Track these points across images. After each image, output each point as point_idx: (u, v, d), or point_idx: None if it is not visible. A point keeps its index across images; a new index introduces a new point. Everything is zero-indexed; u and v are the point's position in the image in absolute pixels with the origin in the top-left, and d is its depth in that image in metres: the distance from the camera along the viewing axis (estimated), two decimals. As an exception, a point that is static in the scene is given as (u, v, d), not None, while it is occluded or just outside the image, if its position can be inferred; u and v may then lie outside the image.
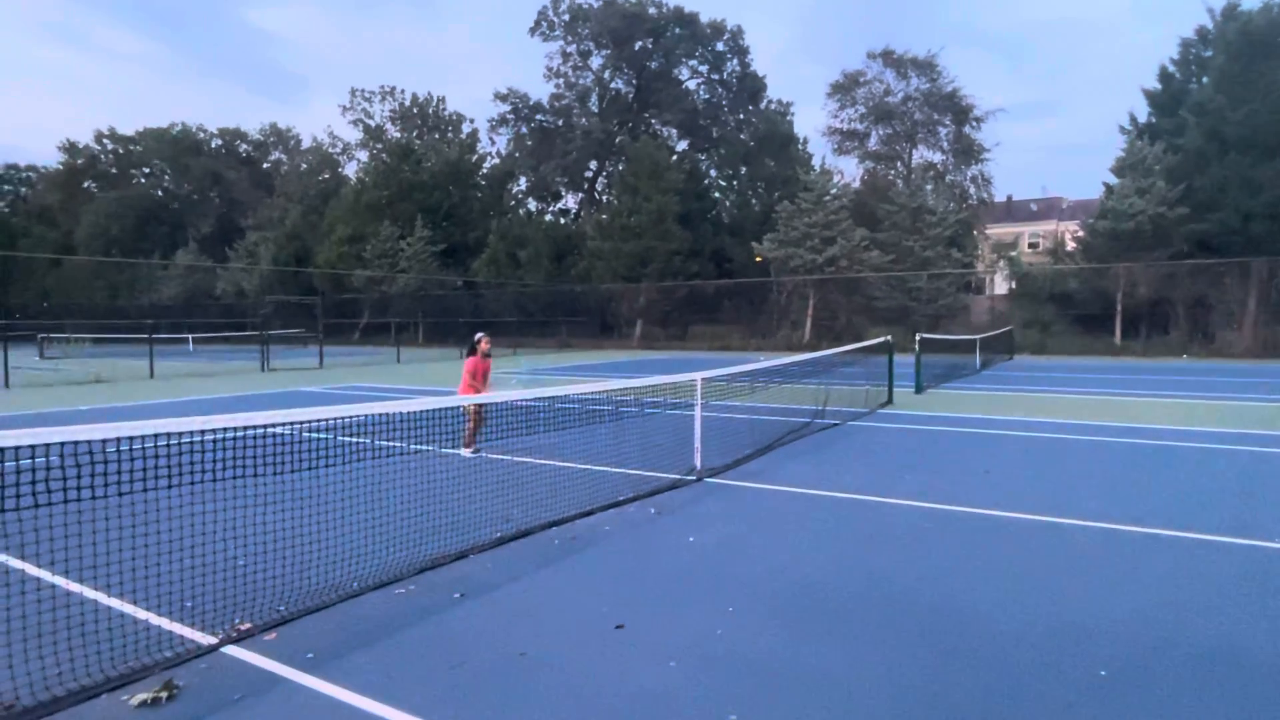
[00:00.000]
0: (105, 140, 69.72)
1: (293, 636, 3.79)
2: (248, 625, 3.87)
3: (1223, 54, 28.84)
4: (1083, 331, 30.37)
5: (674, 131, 54.17)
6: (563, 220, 53.61)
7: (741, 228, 43.53)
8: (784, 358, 12.11)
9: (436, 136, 58.57)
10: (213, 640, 3.70)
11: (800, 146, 47.29)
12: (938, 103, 44.48)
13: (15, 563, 4.69)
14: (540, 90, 75.10)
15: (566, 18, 53.42)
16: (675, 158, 46.52)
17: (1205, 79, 30.45)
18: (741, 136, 51.24)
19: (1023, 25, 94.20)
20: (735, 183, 49.63)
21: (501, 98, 55.95)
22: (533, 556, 5.07)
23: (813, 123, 76.15)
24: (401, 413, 5.37)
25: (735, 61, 53.42)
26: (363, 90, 62.84)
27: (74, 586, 4.28)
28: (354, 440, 5.87)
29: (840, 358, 13.81)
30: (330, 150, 65.18)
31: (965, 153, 45.01)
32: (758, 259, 37.90)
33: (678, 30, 52.13)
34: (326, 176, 61.31)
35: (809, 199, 35.98)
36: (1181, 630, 3.81)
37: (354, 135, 74.45)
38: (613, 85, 55.08)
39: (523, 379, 10.61)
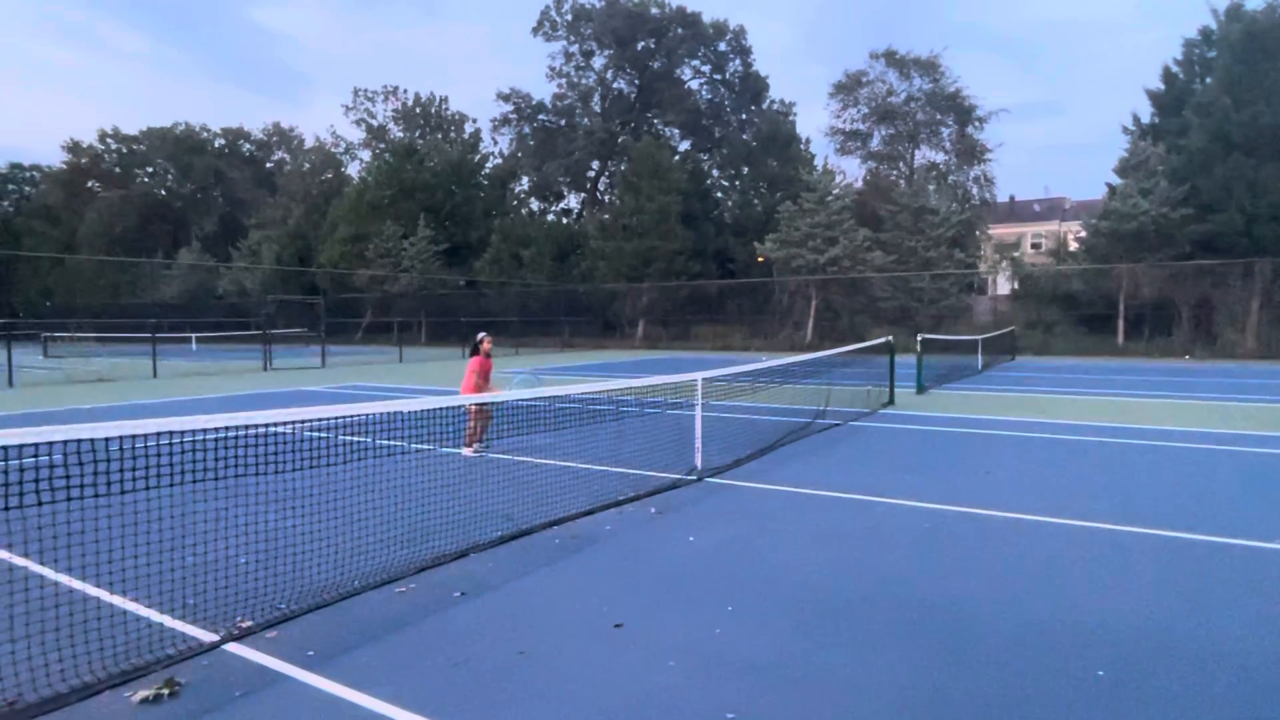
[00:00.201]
0: (109, 139, 69.90)
1: (294, 634, 3.81)
2: (249, 623, 3.88)
3: (1226, 54, 28.77)
4: (1085, 332, 30.33)
5: (676, 131, 54.20)
6: (565, 220, 53.67)
7: (744, 228, 43.52)
8: (786, 358, 12.11)
9: (439, 136, 58.63)
10: (214, 638, 3.72)
11: (803, 147, 47.27)
12: (940, 103, 44.41)
13: (19, 560, 4.71)
14: (543, 90, 74.93)
15: (569, 18, 53.50)
16: (678, 158, 46.53)
17: (1209, 79, 30.38)
18: (744, 136, 51.22)
19: (1026, 26, 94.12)
20: (738, 183, 49.61)
21: (504, 97, 56.14)
22: (533, 556, 5.08)
23: (815, 123, 76.45)
24: (403, 412, 5.39)
25: (738, 62, 53.45)
26: (366, 90, 63.17)
27: (76, 584, 4.30)
28: (355, 439, 5.89)
29: (842, 358, 13.81)
30: (333, 150, 65.27)
31: (968, 153, 44.93)
32: (760, 259, 37.89)
33: (680, 30, 52.14)
34: (329, 176, 61.38)
35: (811, 199, 35.97)
36: (1180, 631, 3.81)
37: (357, 135, 74.75)
38: (615, 85, 55.14)
39: (525, 379, 10.62)
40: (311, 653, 3.60)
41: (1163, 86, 33.04)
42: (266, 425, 4.20)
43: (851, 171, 70.95)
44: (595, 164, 55.77)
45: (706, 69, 54.25)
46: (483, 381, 9.10)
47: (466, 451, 8.42)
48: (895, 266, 35.16)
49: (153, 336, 24.13)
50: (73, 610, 3.86)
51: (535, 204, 56.79)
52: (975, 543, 5.33)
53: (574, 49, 54.25)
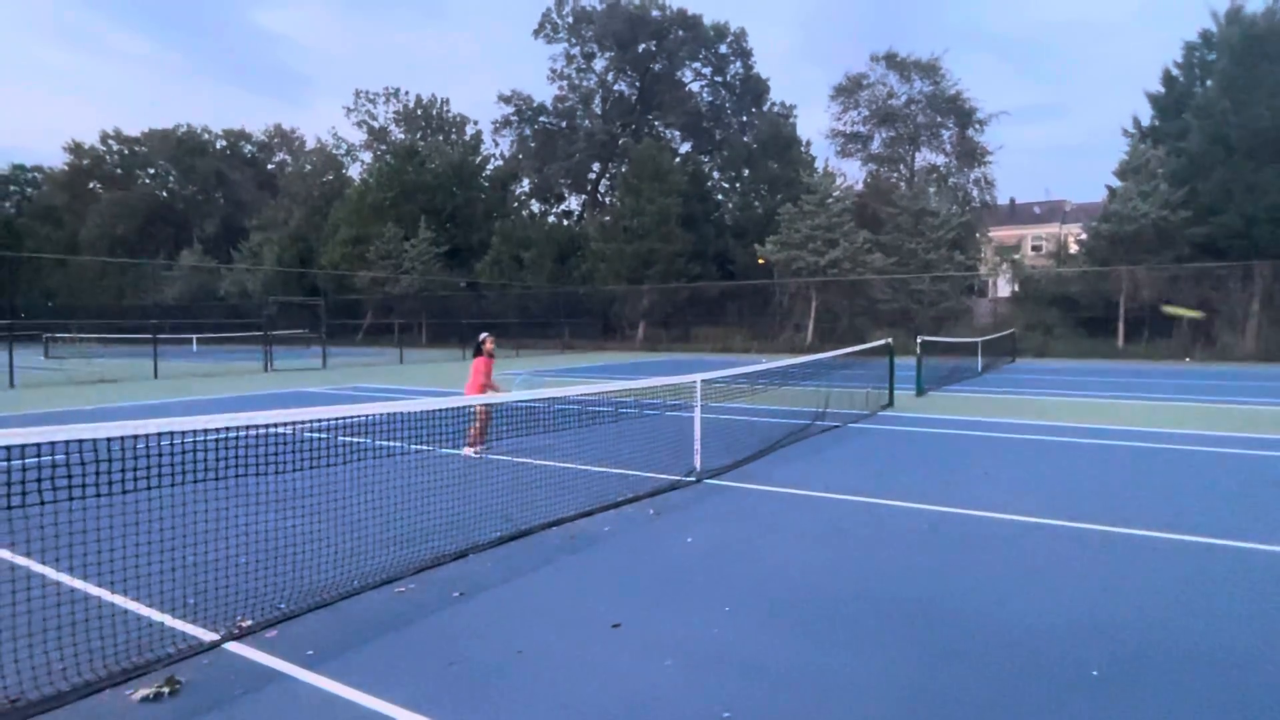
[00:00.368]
0: (110, 141, 70.05)
1: (293, 633, 3.83)
2: (249, 622, 3.91)
3: (1226, 57, 28.80)
4: (1085, 335, 30.33)
5: (677, 134, 54.27)
6: (565, 222, 53.70)
7: (744, 230, 43.55)
8: (786, 360, 12.14)
9: (440, 138, 58.70)
10: (215, 637, 3.75)
11: (803, 149, 47.31)
12: (941, 106, 44.46)
13: (20, 560, 4.74)
14: (544, 92, 75.19)
15: (570, 20, 53.58)
16: (678, 160, 46.58)
17: (1209, 82, 30.40)
18: (744, 139, 51.28)
19: (1026, 28, 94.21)
20: (738, 185, 49.66)
21: (505, 100, 56.18)
22: (532, 556, 5.11)
23: (816, 125, 76.57)
24: (403, 413, 5.41)
25: (738, 64, 53.53)
26: (367, 92, 63.18)
27: (78, 583, 4.33)
28: (355, 440, 5.92)
29: (841, 360, 13.84)
30: (334, 151, 65.40)
31: (968, 155, 44.98)
32: (761, 261, 37.92)
33: (681, 33, 52.23)
34: (330, 178, 61.47)
35: (812, 201, 36.01)
36: (1173, 631, 3.83)
37: (358, 137, 74.94)
38: (616, 87, 55.21)
39: (526, 380, 10.66)
40: (311, 652, 3.62)
41: (1163, 89, 33.07)
42: (267, 426, 4.23)
43: (852, 174, 70.92)
44: (596, 166, 55.84)
45: (707, 71, 54.37)
46: (488, 382, 9.15)
47: (468, 452, 8.45)
48: (895, 269, 35.19)
49: (154, 337, 24.17)
50: (74, 609, 3.89)
51: (536, 206, 56.91)
52: (972, 544, 5.35)
53: (575, 51, 54.38)
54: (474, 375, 9.16)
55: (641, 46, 52.68)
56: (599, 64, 54.64)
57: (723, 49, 53.13)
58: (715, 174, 51.00)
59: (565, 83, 55.09)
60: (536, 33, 54.26)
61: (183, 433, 3.81)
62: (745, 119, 53.48)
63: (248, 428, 4.14)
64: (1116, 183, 30.75)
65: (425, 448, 7.53)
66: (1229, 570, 4.77)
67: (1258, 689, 3.23)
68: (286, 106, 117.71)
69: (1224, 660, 3.50)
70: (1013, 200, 63.33)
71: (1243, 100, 27.47)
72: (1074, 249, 35.39)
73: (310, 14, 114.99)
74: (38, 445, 3.22)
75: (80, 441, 3.38)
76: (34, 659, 3.35)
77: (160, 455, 3.91)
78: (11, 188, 77.03)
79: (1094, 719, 3.01)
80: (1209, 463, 8.22)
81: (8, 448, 3.15)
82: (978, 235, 42.40)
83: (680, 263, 40.22)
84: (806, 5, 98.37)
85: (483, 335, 9.35)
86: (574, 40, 54.06)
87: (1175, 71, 32.78)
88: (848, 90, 46.24)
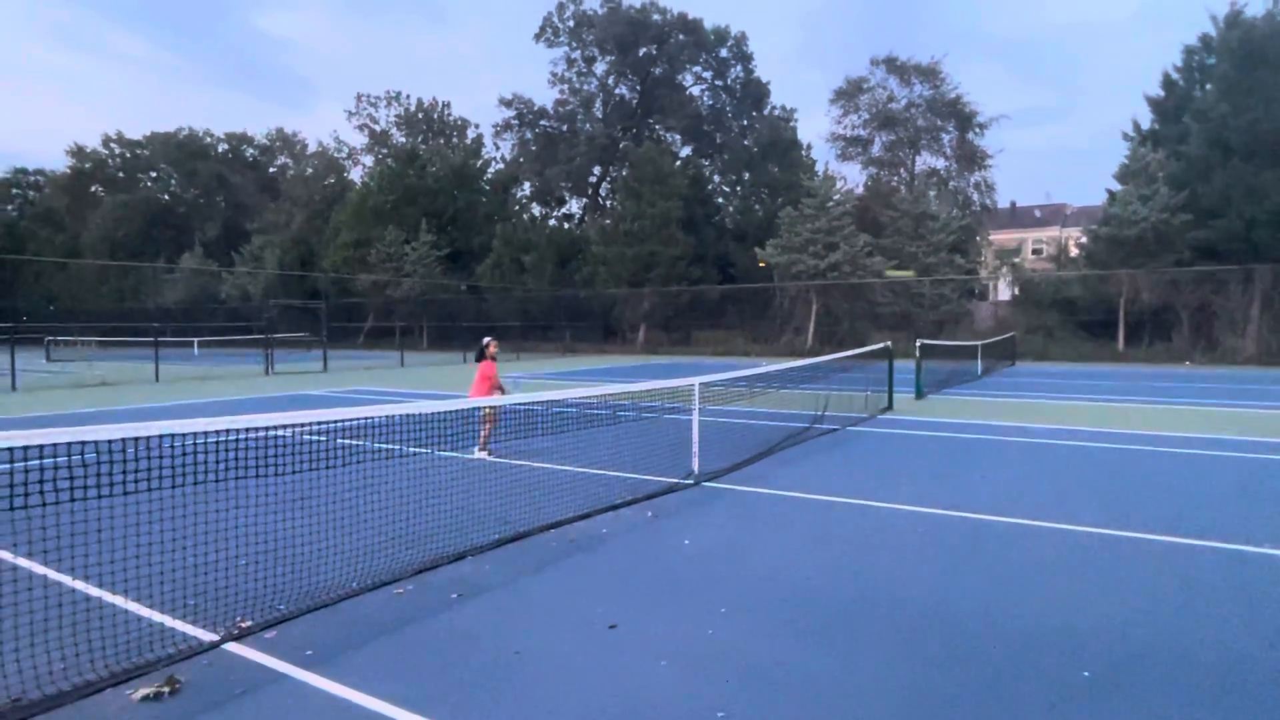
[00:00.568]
0: (112, 144, 70.21)
1: (293, 634, 3.86)
2: (249, 623, 3.94)
3: (1226, 61, 28.85)
4: (1086, 338, 30.34)
5: (678, 137, 54.32)
6: (567, 225, 53.75)
7: (745, 233, 43.61)
8: (786, 363, 12.17)
9: (441, 142, 58.84)
10: (214, 637, 3.78)
11: (804, 152, 47.37)
12: (941, 109, 44.52)
13: (22, 561, 4.77)
14: (545, 96, 75.43)
15: (571, 24, 53.68)
16: (679, 163, 46.64)
17: (1208, 86, 30.45)
18: (745, 142, 51.35)
19: (1026, 32, 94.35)
20: (739, 188, 49.74)
21: (506, 103, 56.25)
22: (530, 558, 5.14)
23: (816, 129, 76.74)
24: (402, 415, 5.45)
25: (739, 68, 53.60)
26: (369, 95, 63.30)
27: (79, 584, 4.36)
28: (355, 443, 5.95)
29: (840, 363, 13.87)
30: (336, 155, 65.53)
31: (968, 159, 45.02)
32: (761, 264, 37.96)
33: (682, 37, 52.33)
34: (332, 181, 61.57)
35: (812, 205, 36.06)
36: (1166, 633, 3.86)
37: (359, 140, 75.11)
38: (617, 91, 55.30)
39: (520, 381, 10.73)
40: (310, 652, 3.65)
41: (1163, 93, 33.14)
42: (267, 428, 4.27)
43: (852, 177, 71.20)
44: (597, 169, 55.92)
45: (708, 75, 54.44)
46: (497, 384, 9.26)
47: (480, 454, 8.52)
48: (896, 271, 35.23)
49: (155, 341, 24.23)
50: (75, 610, 3.92)
51: (537, 209, 56.95)
52: (969, 546, 5.38)
53: (576, 55, 54.47)
54: (481, 380, 9.23)
55: (642, 50, 52.78)
56: (600, 68, 54.78)
57: (723, 53, 53.23)
58: (716, 177, 51.10)
59: (566, 86, 55.24)
60: (537, 36, 54.41)
61: (183, 435, 3.84)
62: (746, 122, 53.55)
63: (247, 430, 4.17)
64: (1117, 186, 30.80)
65: (424, 451, 7.56)
66: (1226, 573, 4.79)
67: (1252, 691, 3.26)
68: (288, 110, 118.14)
69: (1218, 662, 3.53)
70: (1013, 204, 63.43)
71: (1242, 104, 27.50)
72: (1074, 252, 35.40)
73: (312, 18, 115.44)
74: (40, 447, 3.26)
75: (82, 443, 3.42)
76: (35, 659, 3.39)
77: (161, 457, 3.95)
78: (14, 191, 77.20)
79: None
80: (1208, 466, 8.24)
81: (10, 450, 3.19)
82: (978, 239, 42.45)
83: (681, 266, 40.28)
84: (806, 9, 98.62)
85: (486, 340, 9.43)
86: (575, 44, 54.19)
87: (1175, 75, 32.85)
88: (848, 94, 46.32)
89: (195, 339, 40.60)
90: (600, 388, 7.35)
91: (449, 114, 61.25)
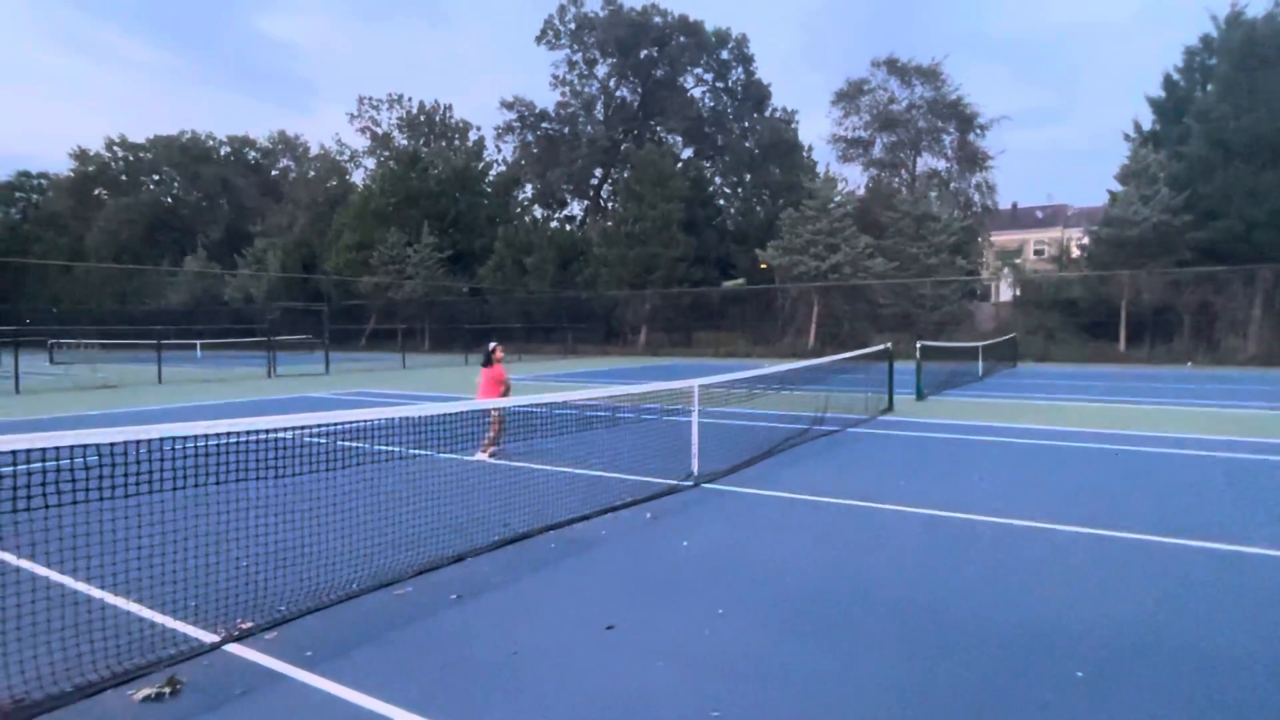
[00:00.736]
0: (116, 147, 70.48)
1: (293, 635, 3.90)
2: (249, 624, 3.98)
3: (1226, 62, 28.85)
4: (1087, 339, 30.31)
5: (679, 139, 54.39)
6: (568, 227, 53.82)
7: (746, 235, 43.64)
8: (784, 365, 12.19)
9: (443, 144, 58.98)
10: (215, 638, 3.82)
11: (805, 154, 47.41)
12: (942, 110, 44.51)
13: (25, 563, 4.81)
14: (546, 98, 75.51)
15: (573, 26, 53.78)
16: (680, 165, 46.70)
17: (1209, 86, 30.45)
18: (746, 144, 51.42)
19: (1027, 32, 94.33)
20: (740, 190, 49.79)
21: (508, 106, 56.36)
22: (529, 559, 5.17)
23: (817, 130, 76.80)
24: (399, 418, 5.48)
25: (740, 69, 53.67)
26: (371, 98, 63.39)
27: (81, 586, 4.40)
28: (356, 445, 5.99)
29: (841, 365, 13.89)
30: (338, 157, 65.72)
31: (969, 160, 45.00)
32: (763, 265, 37.99)
33: (683, 39, 52.41)
34: (334, 184, 61.75)
35: (813, 206, 36.08)
36: (1160, 632, 3.88)
37: (362, 143, 75.15)
38: (618, 93, 55.39)
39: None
40: (310, 653, 3.68)
41: (1163, 93, 33.14)
42: (268, 431, 4.30)
43: (853, 179, 71.13)
44: (598, 171, 56.00)
45: (709, 77, 54.50)
46: (505, 389, 9.34)
47: (483, 455, 8.56)
48: (897, 273, 35.23)
49: (158, 343, 24.30)
50: (77, 611, 3.96)
51: (538, 211, 57.07)
52: (966, 547, 5.40)
53: (577, 57, 54.59)
54: (491, 384, 9.29)
55: (643, 52, 52.86)
56: (601, 70, 54.87)
57: (724, 55, 53.30)
58: (717, 179, 51.13)
59: (567, 89, 55.34)
60: (539, 39, 54.52)
61: (184, 438, 3.88)
62: (747, 124, 53.61)
63: (248, 433, 4.21)
64: (1118, 187, 30.79)
65: (424, 453, 7.60)
66: (1222, 573, 4.81)
67: (1246, 690, 3.28)
68: (290, 113, 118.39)
69: (1212, 662, 3.55)
70: (1014, 204, 63.38)
71: (1243, 104, 27.50)
72: (1076, 253, 35.38)
73: (315, 21, 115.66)
74: (42, 450, 3.30)
75: (84, 447, 3.45)
76: (38, 659, 3.42)
77: (163, 460, 3.98)
78: (18, 194, 77.49)
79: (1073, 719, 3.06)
80: (1207, 467, 8.25)
81: (13, 453, 3.22)
82: (979, 240, 42.43)
83: (682, 268, 40.33)
84: (807, 11, 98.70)
85: (492, 345, 9.50)
86: (576, 46, 54.30)
87: (1175, 76, 32.85)
88: (849, 95, 46.31)
89: (198, 341, 40.71)
90: (600, 390, 7.38)
91: (451, 116, 61.46)
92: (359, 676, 3.44)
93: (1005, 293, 40.35)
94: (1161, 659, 3.58)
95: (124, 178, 70.99)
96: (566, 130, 55.61)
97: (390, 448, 7.06)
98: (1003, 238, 54.93)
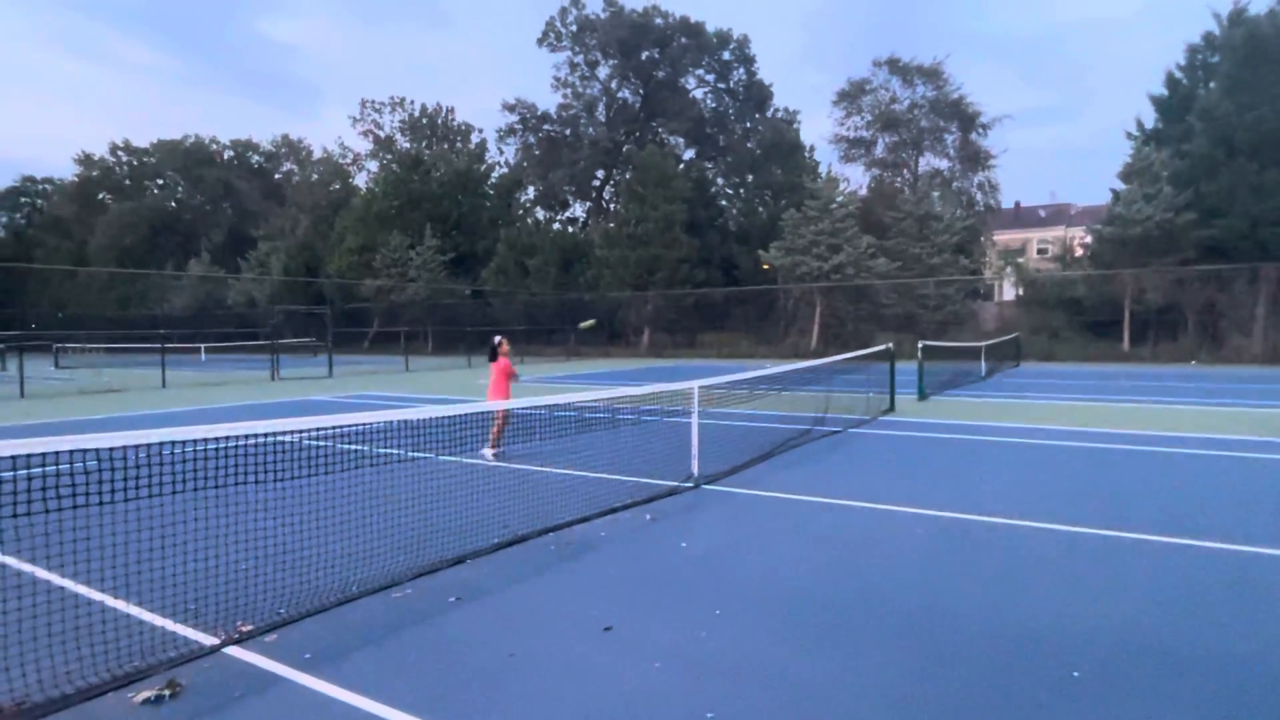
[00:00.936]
0: (119, 152, 70.83)
1: (292, 638, 3.91)
2: (249, 627, 3.99)
3: (1229, 60, 28.79)
4: (1091, 338, 30.25)
5: (681, 140, 54.42)
6: (570, 229, 53.89)
7: (748, 235, 43.66)
8: (786, 365, 12.19)
9: (445, 146, 59.11)
10: (215, 641, 3.83)
11: (807, 154, 47.42)
12: (944, 110, 44.48)
13: (26, 566, 4.84)
14: (548, 100, 75.58)
15: (574, 28, 53.85)
16: (682, 166, 46.76)
17: (1212, 84, 30.37)
18: (748, 145, 51.41)
19: (1029, 31, 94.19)
20: (742, 191, 49.80)
21: (509, 108, 56.44)
22: (528, 562, 5.18)
23: (819, 131, 76.81)
24: (398, 421, 5.49)
25: (742, 70, 53.67)
26: (373, 101, 63.53)
27: (82, 589, 4.42)
28: (355, 448, 6.01)
29: (842, 365, 13.88)
30: (340, 161, 65.96)
31: (972, 159, 44.96)
32: (765, 266, 37.98)
33: (684, 40, 52.44)
34: (337, 187, 61.93)
35: (815, 207, 36.07)
36: (1159, 633, 3.87)
37: (364, 146, 75.57)
38: (620, 95, 55.42)
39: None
40: (309, 656, 3.70)
41: (1166, 92, 33.05)
42: (268, 434, 4.32)
43: (855, 179, 71.07)
44: (600, 173, 56.05)
45: (710, 78, 54.52)
46: (511, 376, 9.41)
47: (487, 451, 8.58)
48: (900, 273, 35.20)
49: (162, 347, 24.36)
50: (78, 614, 3.98)
51: (541, 213, 57.14)
52: (967, 548, 5.39)
53: (579, 59, 54.65)
54: (500, 378, 9.32)
55: (645, 54, 52.90)
56: (603, 71, 54.93)
57: (726, 55, 53.32)
58: (719, 180, 51.15)
59: (569, 90, 55.41)
60: (540, 41, 54.60)
61: (184, 442, 3.90)
62: (749, 125, 53.62)
63: (248, 436, 4.23)
64: (1121, 185, 30.72)
65: (425, 455, 7.61)
66: (1225, 574, 4.79)
67: (1248, 693, 3.27)
68: (293, 116, 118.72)
69: (1215, 663, 3.54)
70: (1017, 204, 63.31)
71: (1246, 102, 27.43)
72: (1079, 252, 35.30)
73: (317, 24, 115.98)
74: (42, 455, 3.32)
75: (85, 451, 3.47)
76: (39, 662, 3.44)
77: (163, 464, 4.00)
78: (22, 199, 77.85)
79: None
80: (1210, 466, 8.23)
81: (15, 458, 3.24)
82: (982, 239, 42.36)
83: (685, 269, 40.35)
84: (809, 11, 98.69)
85: (497, 339, 9.54)
86: (578, 48, 54.37)
87: (1178, 74, 32.76)
88: (850, 96, 46.31)
89: (202, 345, 40.83)
90: (600, 391, 7.39)
91: (453, 119, 61.61)
92: (358, 679, 3.45)
93: (1008, 292, 40.29)
94: (1164, 660, 3.57)
95: (128, 182, 71.33)
96: (568, 132, 55.68)
97: (391, 450, 7.08)
98: (1006, 237, 54.89)
